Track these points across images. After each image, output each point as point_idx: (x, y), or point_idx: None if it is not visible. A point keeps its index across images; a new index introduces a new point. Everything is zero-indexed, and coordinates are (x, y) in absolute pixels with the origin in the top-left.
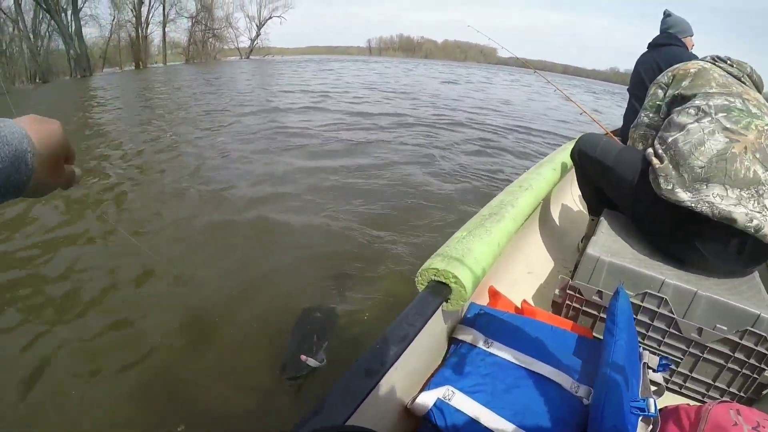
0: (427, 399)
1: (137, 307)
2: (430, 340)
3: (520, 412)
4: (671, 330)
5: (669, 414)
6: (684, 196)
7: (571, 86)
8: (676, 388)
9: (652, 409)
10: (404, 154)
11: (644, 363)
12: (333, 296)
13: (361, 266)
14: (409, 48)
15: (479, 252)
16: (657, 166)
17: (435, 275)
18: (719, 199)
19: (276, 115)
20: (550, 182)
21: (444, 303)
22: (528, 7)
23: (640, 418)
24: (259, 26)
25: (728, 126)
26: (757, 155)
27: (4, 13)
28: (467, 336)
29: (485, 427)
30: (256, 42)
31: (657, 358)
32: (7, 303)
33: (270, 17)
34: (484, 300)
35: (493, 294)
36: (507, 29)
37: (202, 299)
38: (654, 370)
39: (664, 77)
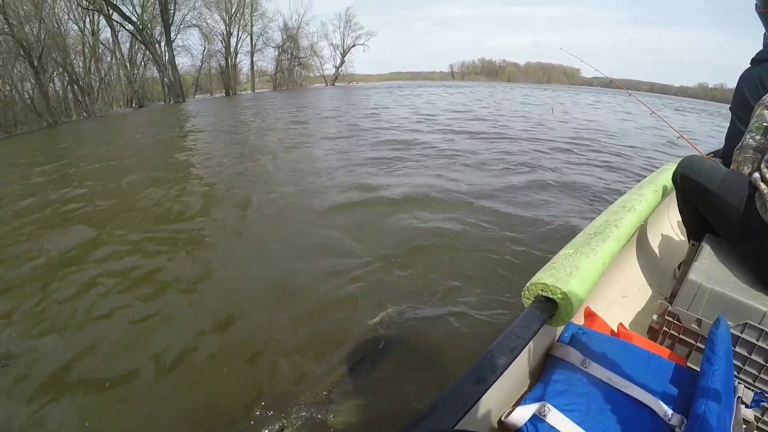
0: (523, 414)
1: None
2: (530, 355)
3: None
4: None
5: None
6: None
7: (659, 105)
8: (765, 428)
9: None
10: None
11: (738, 397)
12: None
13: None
14: (491, 71)
15: (586, 270)
16: (765, 192)
17: (543, 290)
18: None
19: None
20: (651, 204)
21: (549, 319)
22: (608, 23)
23: None
24: (343, 54)
25: None
26: None
27: (103, 44)
28: (565, 354)
29: None
30: (340, 69)
31: (751, 394)
32: None
33: (353, 45)
34: (579, 321)
35: (589, 315)
36: (588, 47)
37: None
38: (747, 406)
39: None
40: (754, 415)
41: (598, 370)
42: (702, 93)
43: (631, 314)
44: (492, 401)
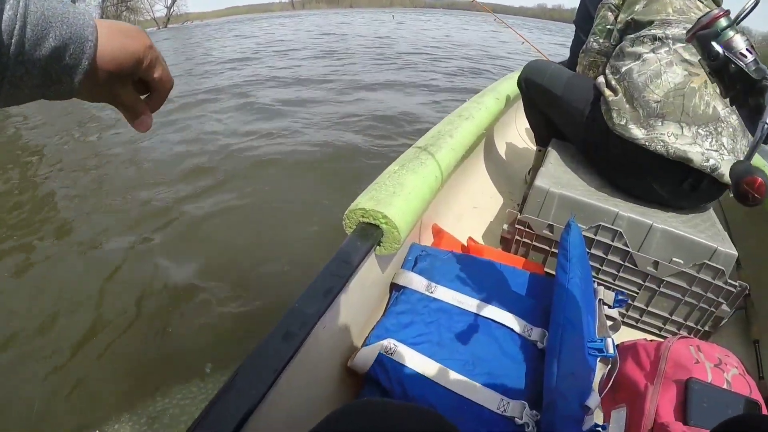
0: (368, 355)
1: None
2: (365, 290)
3: (470, 362)
4: (626, 264)
5: (627, 350)
6: (638, 133)
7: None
8: (632, 322)
9: (611, 350)
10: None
11: (599, 299)
12: None
13: None
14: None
15: (413, 186)
16: (610, 98)
17: (363, 216)
18: (674, 138)
19: None
20: (493, 113)
21: (376, 247)
22: None
23: (599, 359)
24: None
25: (687, 57)
26: (718, 89)
27: None
28: (408, 281)
29: (433, 381)
30: (172, 9)
31: (612, 294)
32: None
33: None
34: (428, 240)
35: (437, 232)
36: None
37: None
38: (610, 307)
39: None
40: (619, 312)
41: (445, 294)
42: (541, 13)
43: (483, 225)
44: (321, 352)
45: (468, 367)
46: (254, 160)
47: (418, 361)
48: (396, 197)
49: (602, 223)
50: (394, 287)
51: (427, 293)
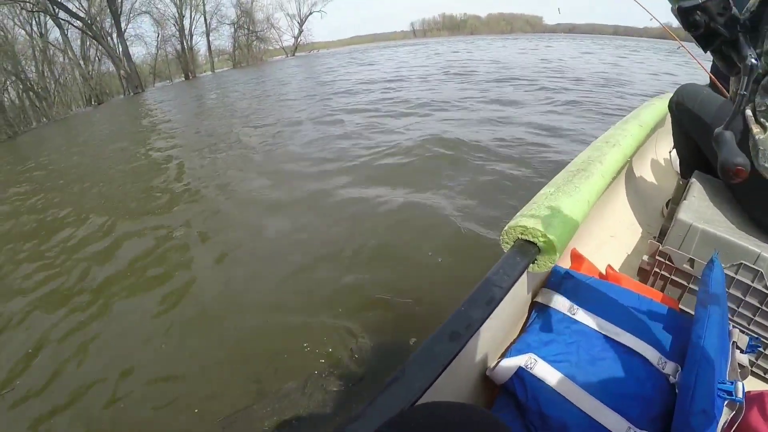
0: (509, 366)
1: None
2: (513, 304)
3: (603, 386)
4: (763, 307)
5: (753, 400)
6: None
7: (621, 47)
8: (760, 372)
9: (740, 394)
10: None
11: (733, 342)
12: None
13: None
14: (453, 26)
15: (569, 210)
16: (757, 136)
17: (522, 234)
18: None
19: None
20: (636, 139)
21: (531, 264)
22: None
23: (726, 402)
24: (301, 23)
25: None
26: None
27: (53, 45)
28: (551, 301)
29: (566, 399)
30: (299, 39)
31: (746, 338)
32: None
33: (310, 12)
34: (566, 264)
35: (576, 257)
36: None
37: None
38: (742, 351)
39: None
40: (749, 360)
41: (586, 317)
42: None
43: (620, 255)
44: (471, 357)
45: (601, 391)
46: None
47: (555, 380)
48: (554, 218)
49: (744, 262)
50: (536, 305)
51: (569, 314)
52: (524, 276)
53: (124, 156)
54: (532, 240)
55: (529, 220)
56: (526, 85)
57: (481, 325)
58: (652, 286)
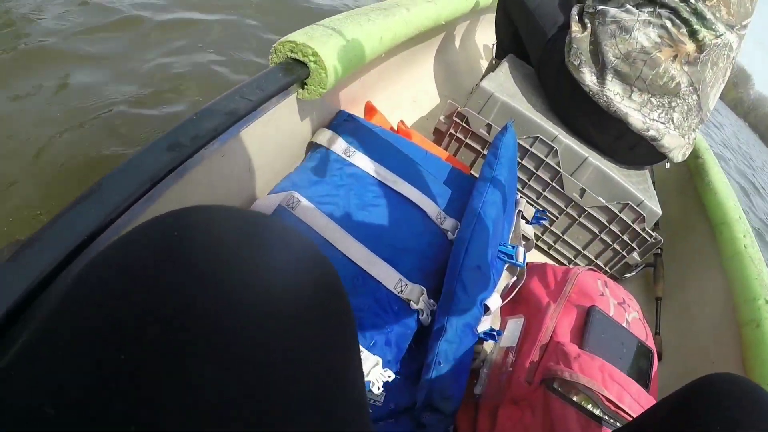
0: (266, 204)
1: None
2: (281, 135)
3: (373, 235)
4: (554, 184)
5: (534, 269)
6: (588, 79)
7: None
8: (544, 247)
9: (521, 259)
10: None
11: (519, 210)
12: None
13: None
14: None
15: (353, 38)
16: (574, 34)
17: (292, 51)
18: (619, 98)
19: None
20: (459, 8)
21: (300, 90)
22: None
23: (506, 265)
24: None
25: (668, 25)
26: (686, 68)
27: None
28: (326, 140)
29: (332, 245)
30: None
31: (533, 210)
32: None
33: None
34: (358, 113)
35: (370, 110)
36: None
37: None
38: (528, 221)
39: None
40: (534, 233)
41: (362, 161)
42: None
43: (417, 118)
44: (224, 186)
45: (371, 240)
46: None
47: (319, 222)
48: (332, 38)
49: (541, 136)
50: (312, 146)
51: (344, 156)
52: (293, 103)
53: None
54: (302, 59)
55: (301, 36)
56: None
57: (213, 138)
58: (445, 148)
